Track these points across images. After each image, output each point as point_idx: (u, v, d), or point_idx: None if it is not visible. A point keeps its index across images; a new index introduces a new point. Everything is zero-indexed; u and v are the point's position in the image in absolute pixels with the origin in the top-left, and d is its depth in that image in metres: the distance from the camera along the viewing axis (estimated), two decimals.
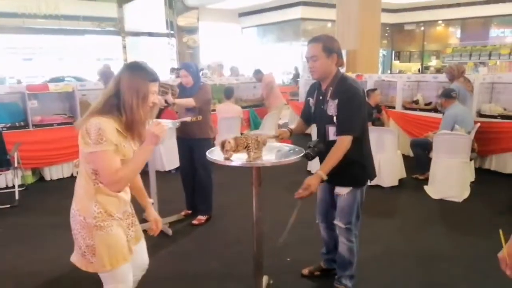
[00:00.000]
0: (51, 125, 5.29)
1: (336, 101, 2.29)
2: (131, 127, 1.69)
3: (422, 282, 2.80)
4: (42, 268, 3.03)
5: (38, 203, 4.46)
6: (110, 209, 1.72)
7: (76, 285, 2.75)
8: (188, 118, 3.09)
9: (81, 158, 1.72)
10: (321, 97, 2.42)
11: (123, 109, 1.66)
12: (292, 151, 2.38)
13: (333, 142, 2.30)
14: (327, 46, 2.28)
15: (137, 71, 1.70)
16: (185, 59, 14.42)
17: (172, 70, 10.53)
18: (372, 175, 2.54)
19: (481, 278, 2.79)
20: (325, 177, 2.22)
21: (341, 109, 2.27)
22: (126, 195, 1.85)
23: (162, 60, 15.11)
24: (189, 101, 3.58)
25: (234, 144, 2.10)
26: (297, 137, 2.72)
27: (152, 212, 2.04)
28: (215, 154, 2.29)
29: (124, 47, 14.99)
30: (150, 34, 15.70)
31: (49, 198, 4.63)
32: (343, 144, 2.25)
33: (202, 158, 3.65)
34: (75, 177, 1.83)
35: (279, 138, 2.50)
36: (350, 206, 2.43)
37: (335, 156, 2.25)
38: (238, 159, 2.18)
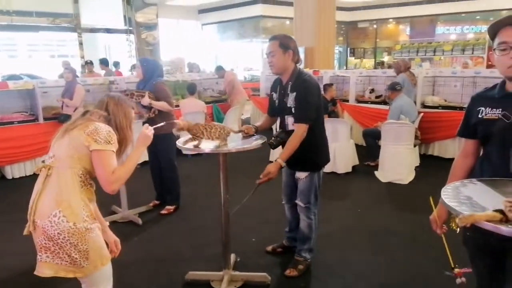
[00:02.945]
0: (12, 123, 5.24)
1: (295, 94, 2.58)
2: (122, 142, 1.88)
3: (370, 252, 3.17)
4: (5, 262, 3.09)
5: (1, 201, 4.46)
6: (92, 211, 1.77)
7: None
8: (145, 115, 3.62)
9: (67, 160, 1.70)
10: (282, 91, 2.69)
11: (115, 130, 1.83)
12: (256, 139, 2.62)
13: (292, 131, 2.59)
14: (283, 43, 2.56)
15: (122, 99, 1.94)
16: (144, 56, 14.30)
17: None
18: (327, 161, 2.85)
19: (422, 247, 3.19)
20: (283, 164, 2.48)
21: (298, 100, 2.55)
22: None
23: (121, 57, 14.86)
24: (163, 104, 3.73)
25: (186, 125, 2.39)
26: (264, 133, 2.93)
27: (110, 234, 2.00)
28: (183, 143, 2.52)
29: (81, 43, 14.61)
30: (107, 31, 15.38)
31: (12, 196, 4.63)
32: (299, 131, 2.54)
33: (163, 152, 3.91)
34: (38, 175, 1.77)
35: (244, 132, 2.71)
36: (309, 188, 2.74)
37: (292, 143, 2.53)
38: (207, 147, 2.44)
